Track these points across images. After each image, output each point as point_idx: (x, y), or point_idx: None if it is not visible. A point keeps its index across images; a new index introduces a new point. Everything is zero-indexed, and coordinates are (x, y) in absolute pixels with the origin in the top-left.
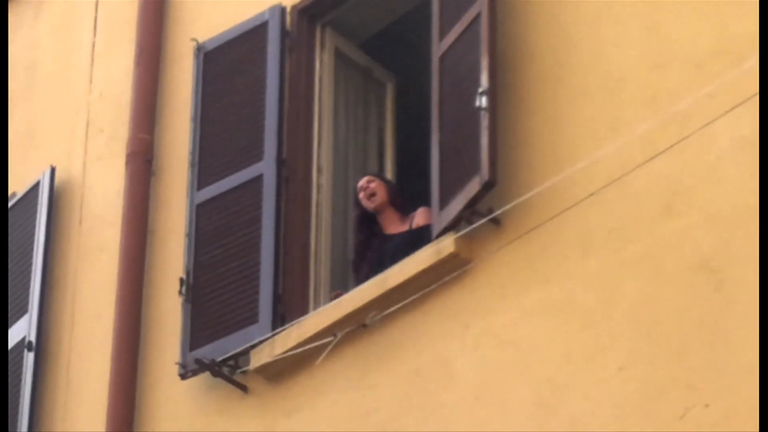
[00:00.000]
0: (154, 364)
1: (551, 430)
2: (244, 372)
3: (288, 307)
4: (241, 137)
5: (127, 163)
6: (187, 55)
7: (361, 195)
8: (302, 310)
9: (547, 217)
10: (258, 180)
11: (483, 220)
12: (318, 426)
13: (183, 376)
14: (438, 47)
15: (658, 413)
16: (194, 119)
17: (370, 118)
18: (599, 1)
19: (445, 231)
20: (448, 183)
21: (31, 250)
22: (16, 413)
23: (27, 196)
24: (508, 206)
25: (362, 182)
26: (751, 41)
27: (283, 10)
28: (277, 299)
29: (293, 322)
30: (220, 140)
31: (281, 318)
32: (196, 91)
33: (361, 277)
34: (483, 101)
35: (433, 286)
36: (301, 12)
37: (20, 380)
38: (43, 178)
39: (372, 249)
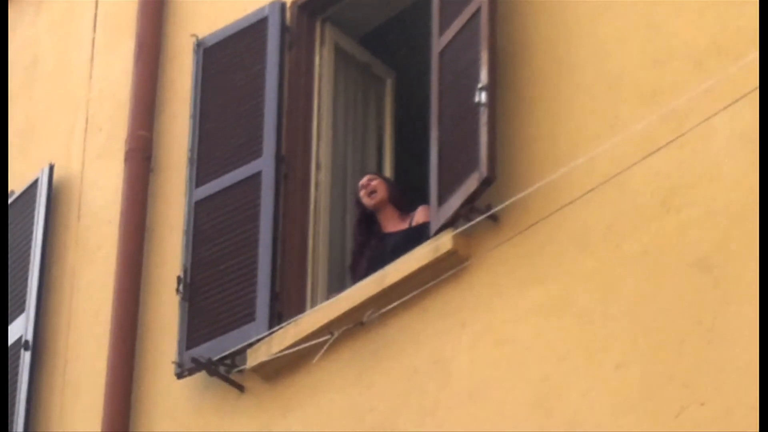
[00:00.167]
0: (150, 363)
1: (548, 428)
2: (240, 371)
3: (285, 305)
4: (240, 134)
5: (126, 160)
6: (186, 52)
7: (362, 193)
8: (299, 309)
9: (545, 214)
10: (257, 177)
11: (481, 217)
12: (315, 425)
13: (179, 376)
14: (437, 43)
15: (654, 411)
16: (193, 116)
17: (370, 114)
18: None
19: (443, 228)
20: (447, 179)
21: (29, 248)
22: (13, 413)
23: (25, 194)
24: (506, 203)
25: (363, 181)
26: (750, 37)
27: (282, 5)
28: (274, 297)
29: (290, 321)
30: (219, 137)
31: (278, 316)
32: (195, 88)
33: (358, 277)
34: (482, 97)
35: (431, 284)
36: (300, 8)
37: (17, 380)
38: (42, 175)
39: (371, 248)
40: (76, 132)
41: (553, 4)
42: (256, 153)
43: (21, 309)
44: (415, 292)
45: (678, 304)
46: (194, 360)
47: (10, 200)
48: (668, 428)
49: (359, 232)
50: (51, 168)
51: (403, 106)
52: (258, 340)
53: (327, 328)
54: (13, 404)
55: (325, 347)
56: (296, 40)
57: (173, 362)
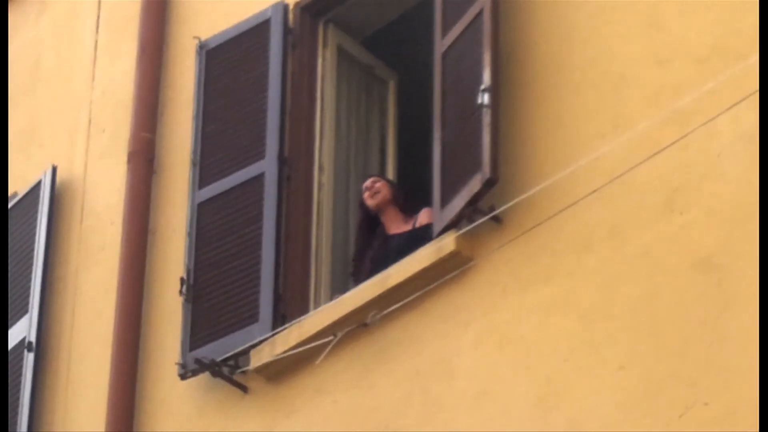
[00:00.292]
0: (154, 364)
1: (552, 428)
2: (244, 372)
3: (288, 306)
4: (242, 135)
5: (129, 161)
6: (189, 53)
7: (366, 194)
8: (303, 310)
9: (548, 215)
10: (259, 178)
11: (484, 218)
12: (318, 426)
13: (183, 377)
14: (440, 44)
15: (657, 411)
16: (196, 117)
17: (372, 115)
18: None
19: (446, 229)
20: (450, 180)
21: (32, 250)
22: (16, 414)
23: (28, 196)
24: (509, 204)
25: (367, 183)
26: (753, 37)
27: (285, 7)
28: (277, 298)
29: (293, 322)
30: (222, 138)
31: (282, 317)
32: (198, 89)
33: (360, 278)
34: (485, 98)
35: (434, 285)
36: (303, 9)
37: (20, 381)
38: (45, 177)
39: (373, 249)
40: (78, 133)
41: (555, 5)
42: (258, 154)
43: (24, 310)
44: (418, 293)
45: (681, 304)
46: (198, 361)
47: (13, 202)
48: (672, 428)
49: (361, 234)
50: (54, 169)
51: (406, 107)
52: (261, 341)
53: (330, 329)
54: (17, 406)
55: (328, 348)
56: (299, 42)
57: (177, 363)
